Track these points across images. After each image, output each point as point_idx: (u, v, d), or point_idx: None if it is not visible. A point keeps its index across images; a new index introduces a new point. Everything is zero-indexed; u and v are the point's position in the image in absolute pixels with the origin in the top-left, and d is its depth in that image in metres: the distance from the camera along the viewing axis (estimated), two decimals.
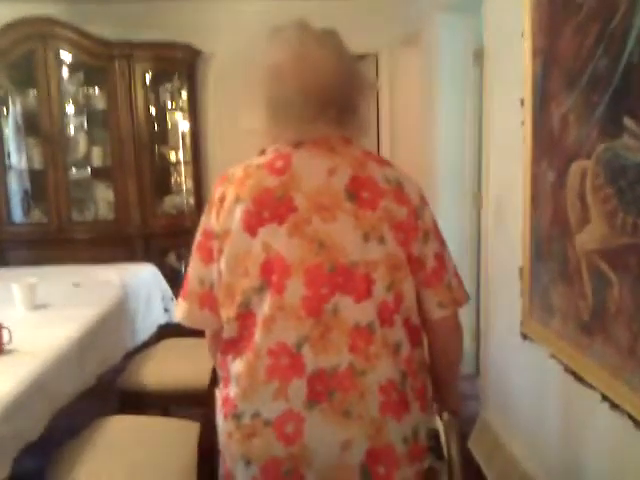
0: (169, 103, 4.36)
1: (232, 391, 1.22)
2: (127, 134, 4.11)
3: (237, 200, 1.19)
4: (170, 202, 4.34)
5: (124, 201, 4.16)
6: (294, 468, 1.16)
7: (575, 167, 1.83)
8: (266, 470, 1.18)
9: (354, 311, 1.17)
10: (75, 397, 2.14)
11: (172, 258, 4.31)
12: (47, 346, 2.06)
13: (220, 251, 1.21)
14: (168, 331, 3.48)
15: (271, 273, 1.17)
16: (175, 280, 4.37)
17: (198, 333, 1.38)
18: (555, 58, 1.98)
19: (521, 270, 2.35)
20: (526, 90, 2.23)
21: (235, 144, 4.67)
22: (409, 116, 4.34)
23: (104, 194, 4.29)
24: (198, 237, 1.27)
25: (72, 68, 4.13)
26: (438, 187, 3.73)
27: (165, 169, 4.41)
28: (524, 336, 2.35)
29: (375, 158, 1.27)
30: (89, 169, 4.29)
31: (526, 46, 2.21)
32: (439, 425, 1.36)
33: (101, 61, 4.06)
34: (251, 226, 1.18)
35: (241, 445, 1.20)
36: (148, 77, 4.18)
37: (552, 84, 2.01)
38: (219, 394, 1.29)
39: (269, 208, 1.17)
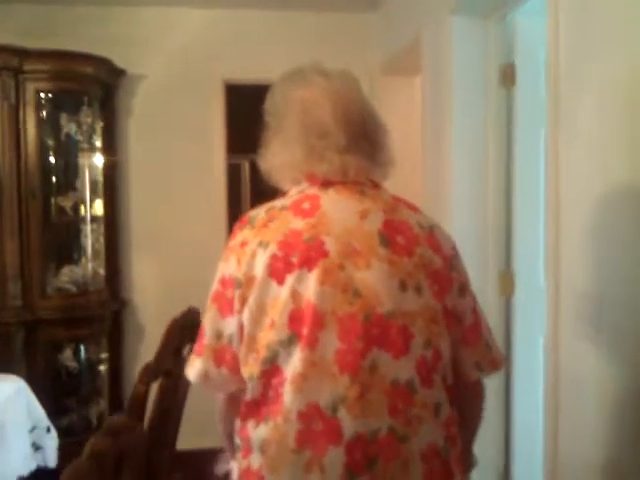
0: (75, 137, 3.23)
1: (255, 461, 1.10)
2: (9, 178, 2.95)
3: (261, 244, 1.12)
4: (69, 275, 3.14)
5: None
6: None
7: None
8: None
9: (393, 368, 1.08)
10: None
11: (68, 355, 3.10)
12: None
13: (243, 300, 1.11)
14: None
15: (301, 324, 1.07)
16: (71, 386, 3.18)
17: None
18: None
19: None
20: None
21: (168, 195, 3.57)
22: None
23: None
24: (215, 286, 1.16)
25: None
26: None
27: (65, 228, 3.28)
28: None
29: (406, 203, 1.23)
30: None
31: None
32: None
33: None
34: (278, 272, 1.09)
35: None
36: (45, 100, 3.09)
37: None
38: (236, 465, 1.17)
39: (297, 252, 1.09)
